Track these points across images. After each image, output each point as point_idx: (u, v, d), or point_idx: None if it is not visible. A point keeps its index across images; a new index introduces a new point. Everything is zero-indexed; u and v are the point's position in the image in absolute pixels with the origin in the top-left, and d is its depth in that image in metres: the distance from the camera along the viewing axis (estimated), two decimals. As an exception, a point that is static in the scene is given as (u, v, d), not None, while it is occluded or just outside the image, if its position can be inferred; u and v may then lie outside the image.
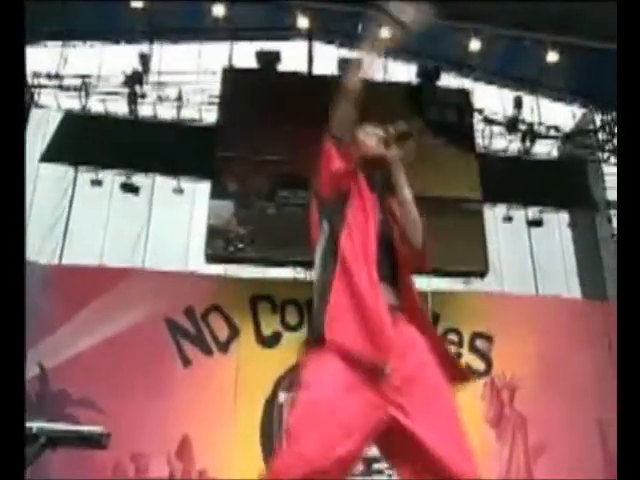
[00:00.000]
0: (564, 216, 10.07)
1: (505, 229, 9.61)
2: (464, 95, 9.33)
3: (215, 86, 8.72)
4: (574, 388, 8.07)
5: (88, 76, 9.02)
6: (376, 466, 7.57)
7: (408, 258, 2.25)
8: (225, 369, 7.85)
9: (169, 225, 9.10)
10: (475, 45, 9.08)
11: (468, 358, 8.37)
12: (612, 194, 10.11)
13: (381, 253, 2.13)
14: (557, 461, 7.76)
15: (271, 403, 7.76)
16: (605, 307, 8.86)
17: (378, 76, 9.30)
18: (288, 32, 9.53)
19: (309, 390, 1.97)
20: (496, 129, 9.78)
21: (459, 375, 2.21)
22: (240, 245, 7.81)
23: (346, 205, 2.19)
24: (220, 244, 7.81)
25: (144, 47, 9.10)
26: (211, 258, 7.88)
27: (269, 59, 8.77)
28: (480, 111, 9.58)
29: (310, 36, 9.45)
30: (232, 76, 8.74)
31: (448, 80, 9.55)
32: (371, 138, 2.38)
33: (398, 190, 2.28)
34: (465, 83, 9.69)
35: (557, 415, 7.93)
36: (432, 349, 2.11)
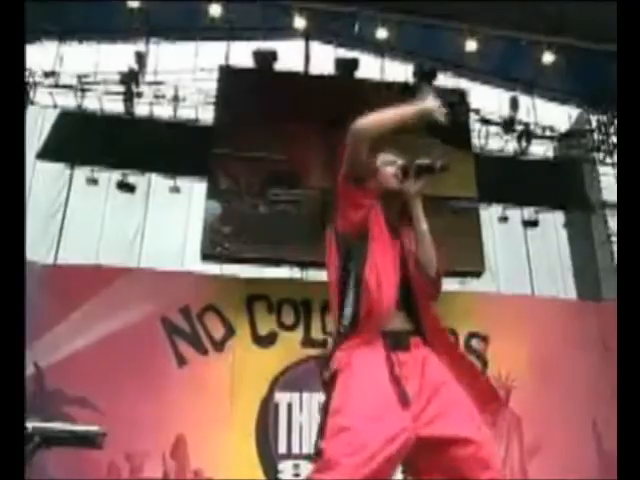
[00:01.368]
0: (560, 216, 10.08)
1: (501, 229, 9.64)
2: (460, 95, 9.33)
3: (212, 85, 8.72)
4: (569, 388, 8.09)
5: (84, 75, 9.01)
6: None
7: (424, 286, 2.28)
8: (221, 369, 7.85)
9: (165, 224, 9.08)
10: (471, 45, 9.09)
11: (464, 358, 8.36)
12: (607, 194, 10.14)
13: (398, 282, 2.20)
14: (552, 461, 7.78)
15: (267, 403, 7.75)
16: (600, 308, 8.89)
17: (375, 75, 9.35)
18: (285, 32, 9.54)
19: (340, 417, 2.04)
20: (492, 129, 9.80)
21: (489, 397, 2.25)
22: (236, 244, 7.81)
23: (365, 239, 2.22)
24: (216, 243, 7.81)
25: (140, 46, 9.10)
26: (207, 257, 7.89)
27: (266, 58, 8.77)
28: (476, 111, 9.60)
29: (307, 36, 9.46)
30: (229, 75, 8.75)
31: (444, 80, 9.55)
32: (390, 169, 2.39)
33: (415, 223, 2.30)
34: (461, 83, 9.71)
35: (552, 415, 7.95)
36: (456, 370, 2.18)
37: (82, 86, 9.02)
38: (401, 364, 2.12)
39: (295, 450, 7.62)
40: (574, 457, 7.82)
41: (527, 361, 8.25)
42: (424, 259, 2.27)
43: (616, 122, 10.04)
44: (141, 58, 8.90)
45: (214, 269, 8.31)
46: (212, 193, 7.99)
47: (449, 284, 8.91)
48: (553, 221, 10.00)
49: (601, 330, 8.34)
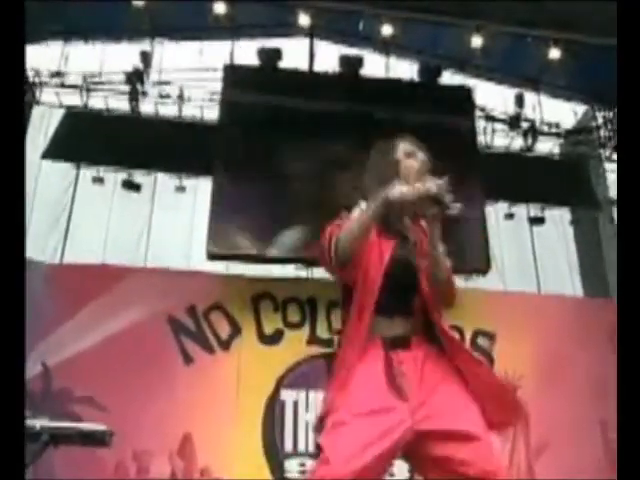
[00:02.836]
0: (566, 213, 10.05)
1: (507, 226, 9.61)
2: (466, 92, 9.30)
3: (216, 84, 8.72)
4: (576, 386, 8.06)
5: (90, 74, 9.03)
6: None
7: (435, 295, 2.24)
8: (227, 367, 7.86)
9: (171, 223, 9.10)
10: (477, 42, 9.05)
11: (470, 356, 8.35)
12: (614, 191, 10.09)
13: (394, 288, 2.17)
14: (559, 459, 7.75)
15: (273, 401, 7.76)
16: (607, 305, 8.84)
17: (380, 73, 9.33)
18: (289, 30, 9.53)
19: (336, 412, 2.05)
20: (498, 126, 9.77)
21: (510, 405, 2.21)
22: (242, 243, 7.82)
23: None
24: (222, 242, 7.81)
25: (145, 45, 9.10)
26: (213, 256, 7.88)
27: (270, 56, 8.76)
28: (482, 108, 9.57)
29: (311, 34, 9.44)
30: (233, 73, 8.73)
31: (450, 78, 9.52)
32: (413, 163, 2.36)
33: (431, 249, 2.20)
34: (467, 80, 9.66)
35: (559, 413, 7.91)
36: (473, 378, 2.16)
37: (87, 86, 9.05)
38: (400, 361, 2.12)
39: (301, 448, 7.62)
40: (581, 456, 7.78)
41: (534, 359, 8.21)
42: (439, 277, 2.20)
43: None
44: (146, 57, 8.91)
45: (220, 268, 8.33)
46: (217, 192, 7.99)
47: (455, 281, 8.90)
48: (560, 218, 9.96)
49: (608, 327, 8.29)
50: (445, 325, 2.23)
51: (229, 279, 8.29)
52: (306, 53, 9.34)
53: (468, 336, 8.44)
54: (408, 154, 2.39)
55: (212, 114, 8.93)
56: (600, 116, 10.33)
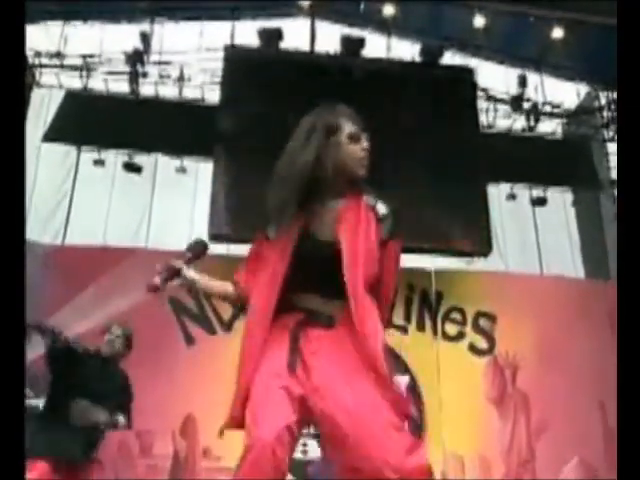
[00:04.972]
0: (568, 195, 10.02)
1: (509, 207, 9.58)
2: (468, 73, 9.26)
3: (217, 64, 8.67)
4: (576, 367, 8.08)
5: (90, 55, 8.97)
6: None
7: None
8: (229, 348, 7.83)
9: (172, 205, 9.08)
10: (479, 22, 9.00)
11: (472, 337, 8.39)
12: (616, 173, 10.07)
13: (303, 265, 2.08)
14: (558, 439, 7.80)
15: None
16: (608, 287, 8.85)
17: (381, 54, 9.26)
18: (290, 10, 9.45)
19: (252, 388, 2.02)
20: (500, 107, 9.71)
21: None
22: (243, 224, 7.81)
23: None
24: (223, 223, 7.80)
25: (145, 26, 9.02)
26: (214, 237, 7.88)
27: (271, 37, 8.71)
28: (484, 89, 9.51)
29: (312, 14, 9.37)
30: (234, 54, 8.69)
31: (452, 58, 9.46)
32: (356, 149, 2.16)
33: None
34: (469, 61, 9.60)
35: (559, 394, 7.95)
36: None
37: (87, 67, 8.99)
38: (310, 338, 2.02)
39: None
40: (580, 435, 7.82)
41: (534, 340, 8.23)
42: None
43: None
44: (146, 38, 8.84)
45: (221, 249, 8.31)
46: (218, 173, 7.98)
47: (457, 263, 8.92)
48: (562, 199, 9.93)
49: (608, 309, 8.30)
50: (357, 291, 2.01)
51: (231, 260, 8.27)
52: (307, 34, 9.28)
53: (470, 317, 8.46)
54: (352, 137, 2.14)
55: (213, 95, 8.89)
56: (603, 97, 10.26)
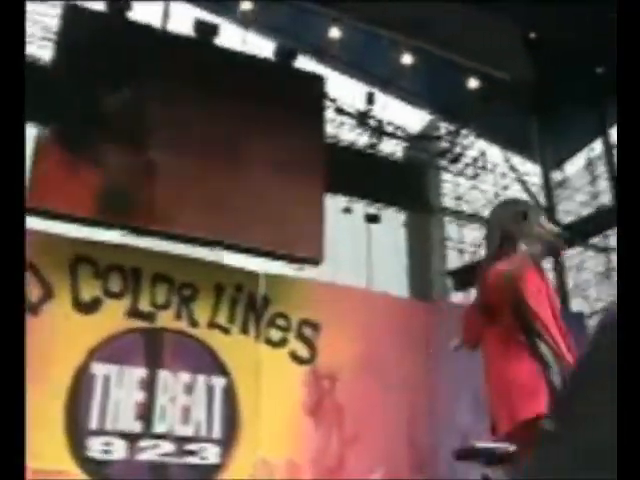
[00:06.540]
0: (401, 215, 10.26)
1: (344, 220, 9.58)
2: (319, 81, 9.21)
3: (54, 21, 7.89)
4: (391, 383, 8.18)
5: None
6: (188, 447, 7.21)
7: None
8: (34, 333, 7.05)
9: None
10: (334, 33, 9.03)
11: (294, 344, 8.24)
12: (448, 201, 10.52)
13: None
14: (368, 450, 7.82)
15: (82, 373, 7.11)
16: (429, 308, 9.11)
17: (235, 46, 8.98)
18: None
19: None
20: (346, 120, 9.77)
21: None
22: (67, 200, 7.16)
23: None
24: (44, 196, 7.09)
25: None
26: (32, 212, 7.07)
27: (119, 7, 8.12)
28: (332, 99, 9.51)
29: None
30: (75, 14, 7.95)
31: (305, 63, 9.37)
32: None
33: None
34: (321, 69, 9.56)
35: (372, 408, 8.02)
36: None
37: None
38: None
39: (108, 427, 7.05)
40: (387, 449, 7.90)
41: (355, 353, 8.23)
42: None
43: (464, 132, 10.40)
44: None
45: (39, 224, 7.46)
46: (41, 139, 7.25)
47: (287, 269, 8.74)
48: (395, 219, 10.14)
49: (427, 330, 8.50)
50: None
51: (46, 237, 7.49)
52: (160, 11, 8.79)
53: (294, 324, 8.31)
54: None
55: (45, 53, 8.03)
56: (443, 127, 10.68)
